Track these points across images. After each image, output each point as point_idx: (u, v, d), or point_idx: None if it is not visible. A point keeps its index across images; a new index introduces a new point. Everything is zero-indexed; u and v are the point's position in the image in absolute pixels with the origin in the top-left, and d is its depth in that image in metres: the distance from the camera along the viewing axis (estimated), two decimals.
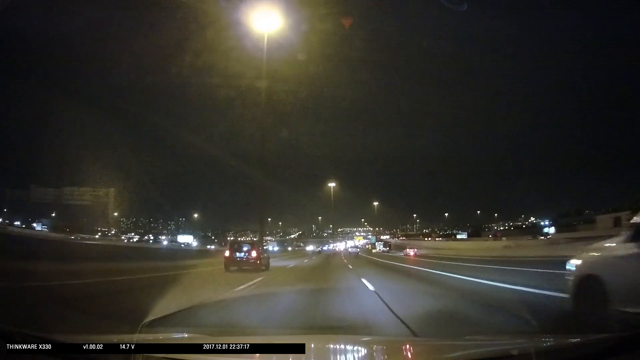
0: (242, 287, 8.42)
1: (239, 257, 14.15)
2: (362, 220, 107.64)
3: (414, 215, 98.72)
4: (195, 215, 75.86)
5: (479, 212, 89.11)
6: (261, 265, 14.36)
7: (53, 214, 39.71)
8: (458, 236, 77.58)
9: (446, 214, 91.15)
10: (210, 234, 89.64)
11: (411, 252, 38.65)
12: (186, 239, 64.55)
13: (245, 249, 14.59)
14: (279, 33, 17.03)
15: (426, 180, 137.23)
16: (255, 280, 9.97)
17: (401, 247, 54.68)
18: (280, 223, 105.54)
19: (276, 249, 55.42)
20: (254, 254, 14.28)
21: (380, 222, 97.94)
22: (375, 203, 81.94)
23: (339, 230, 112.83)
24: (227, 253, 14.58)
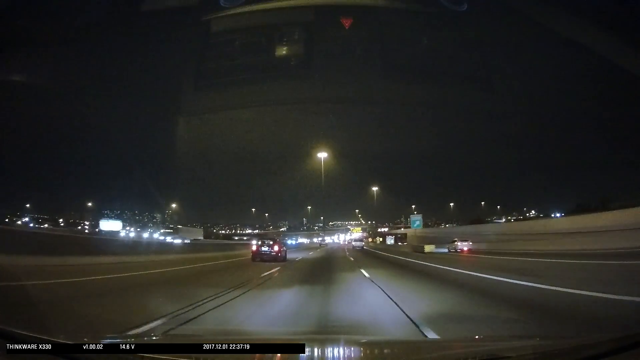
0: None
1: (264, 251, 16.99)
2: (356, 211, 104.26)
3: (412, 206, 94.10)
4: (174, 206, 73.62)
5: (483, 203, 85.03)
6: (281, 257, 17.19)
7: None
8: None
9: (451, 204, 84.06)
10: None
11: (465, 246, 26.93)
12: (112, 225, 49.54)
13: (268, 244, 17.57)
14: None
15: (424, 172, 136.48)
16: None
17: (426, 240, 38.33)
18: (266, 215, 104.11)
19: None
20: (276, 248, 17.23)
21: (375, 215, 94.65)
22: (375, 188, 69.17)
23: (330, 224, 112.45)
24: (254, 247, 17.63)
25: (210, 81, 7.92)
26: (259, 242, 17.81)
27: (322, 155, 43.14)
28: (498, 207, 79.79)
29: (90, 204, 64.48)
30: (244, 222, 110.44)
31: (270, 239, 18.60)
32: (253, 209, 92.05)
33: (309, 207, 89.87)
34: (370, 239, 78.67)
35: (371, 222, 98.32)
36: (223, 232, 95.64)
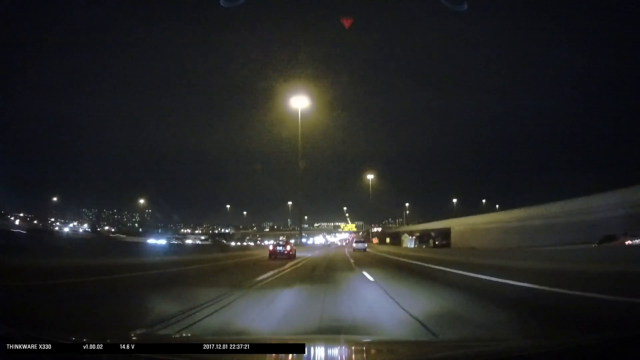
0: None
1: (279, 250, 20.54)
2: (344, 208, 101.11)
3: (406, 204, 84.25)
4: (142, 201, 71.62)
5: (484, 200, 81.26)
6: (292, 255, 20.33)
7: None
8: None
9: (454, 200, 74.35)
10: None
11: None
12: None
13: (282, 244, 22.03)
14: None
15: (418, 173, 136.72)
16: None
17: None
18: (245, 213, 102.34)
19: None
20: (288, 247, 21.08)
21: (365, 215, 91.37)
22: (370, 176, 55.90)
23: (316, 225, 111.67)
24: (270, 247, 21.39)
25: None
26: (275, 244, 22.14)
27: (301, 105, 32.82)
28: (497, 206, 78.57)
29: (55, 199, 63.04)
30: (228, 223, 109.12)
31: (284, 241, 23.72)
32: (228, 206, 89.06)
33: (289, 203, 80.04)
34: (374, 240, 60.84)
35: (358, 222, 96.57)
36: (199, 231, 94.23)
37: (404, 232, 56.68)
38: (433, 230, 44.59)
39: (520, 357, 1.56)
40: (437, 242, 40.57)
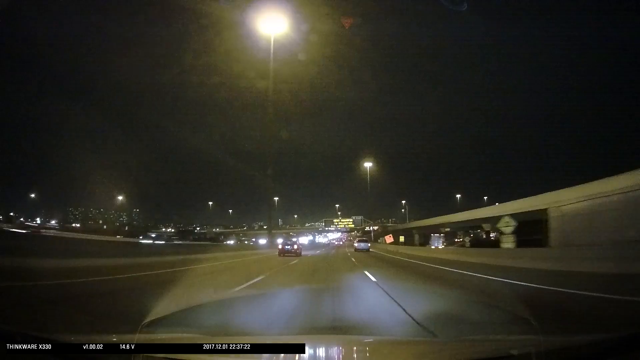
0: None
1: (287, 249, 23.38)
2: (337, 206, 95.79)
3: (403, 201, 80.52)
4: (120, 198, 69.23)
5: (485, 197, 78.63)
6: (299, 253, 23.28)
7: None
8: None
9: (458, 196, 71.12)
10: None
11: None
12: None
13: (289, 243, 25.55)
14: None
15: (412, 171, 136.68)
16: None
17: None
18: (230, 211, 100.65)
19: None
20: (295, 246, 24.25)
21: (358, 212, 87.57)
22: (368, 164, 53.36)
23: (307, 224, 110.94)
24: (280, 246, 24.50)
25: None
26: (284, 243, 25.55)
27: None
28: (497, 203, 76.10)
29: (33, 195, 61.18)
30: (218, 222, 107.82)
31: (291, 240, 27.50)
32: (210, 202, 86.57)
33: (276, 199, 70.51)
34: (388, 239, 49.67)
35: (357, 216, 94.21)
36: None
37: (430, 228, 42.80)
38: (486, 219, 25.67)
39: (521, 356, 1.55)
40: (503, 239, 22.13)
